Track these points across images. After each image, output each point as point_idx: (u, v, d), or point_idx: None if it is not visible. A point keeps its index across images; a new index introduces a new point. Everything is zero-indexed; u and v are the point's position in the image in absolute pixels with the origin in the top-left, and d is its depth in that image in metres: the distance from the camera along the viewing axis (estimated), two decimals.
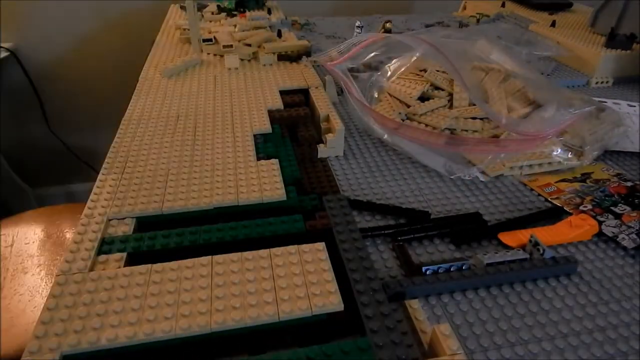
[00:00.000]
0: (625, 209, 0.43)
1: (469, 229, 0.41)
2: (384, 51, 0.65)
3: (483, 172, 0.49)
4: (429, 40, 0.55)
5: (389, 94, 0.61)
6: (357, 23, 0.85)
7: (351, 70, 0.63)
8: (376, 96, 0.62)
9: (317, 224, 0.39)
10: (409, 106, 0.57)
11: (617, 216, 0.42)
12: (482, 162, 0.49)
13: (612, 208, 0.43)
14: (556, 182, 0.48)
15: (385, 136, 0.53)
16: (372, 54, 0.64)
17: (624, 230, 0.41)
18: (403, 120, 0.55)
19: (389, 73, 0.65)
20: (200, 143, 0.50)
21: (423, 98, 0.59)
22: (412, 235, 0.40)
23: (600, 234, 0.41)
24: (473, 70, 0.60)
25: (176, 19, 0.98)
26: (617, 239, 0.40)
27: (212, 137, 0.51)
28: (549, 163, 0.50)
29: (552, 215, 0.43)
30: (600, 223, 0.41)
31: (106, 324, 0.29)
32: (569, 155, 0.50)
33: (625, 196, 0.45)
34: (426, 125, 0.54)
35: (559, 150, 0.50)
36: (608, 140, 0.53)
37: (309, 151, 0.51)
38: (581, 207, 0.43)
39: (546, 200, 0.46)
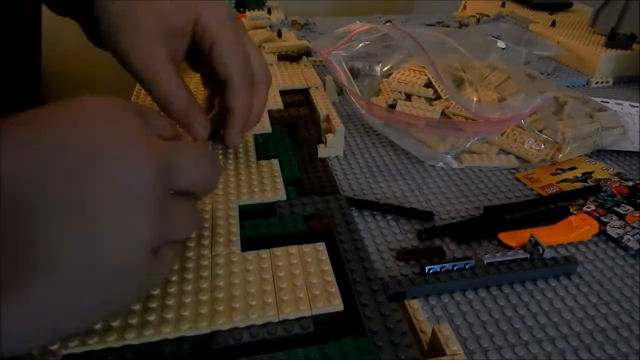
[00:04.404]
0: (628, 209, 0.43)
1: (472, 228, 0.41)
2: (379, 43, 0.67)
3: (458, 159, 0.52)
4: (407, 31, 0.57)
5: (392, 90, 0.62)
6: (358, 23, 0.85)
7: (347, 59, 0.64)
8: (371, 86, 0.65)
9: (317, 224, 0.39)
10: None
11: (621, 217, 0.42)
12: (454, 148, 0.52)
13: (615, 208, 0.43)
14: (557, 182, 0.48)
15: (364, 111, 0.57)
16: (364, 43, 0.66)
17: (628, 231, 0.41)
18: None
19: (388, 67, 0.67)
20: None
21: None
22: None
23: (600, 234, 0.41)
24: (480, 69, 0.61)
25: None
26: (622, 240, 0.40)
27: None
28: (522, 159, 0.52)
29: (554, 214, 0.43)
30: (604, 224, 0.41)
31: (107, 326, 0.29)
32: (543, 148, 0.52)
33: (628, 196, 0.45)
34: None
35: (534, 144, 0.53)
36: (600, 140, 0.53)
37: (309, 151, 0.51)
38: (584, 208, 0.43)
39: (548, 200, 0.46)
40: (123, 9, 0.31)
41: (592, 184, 0.47)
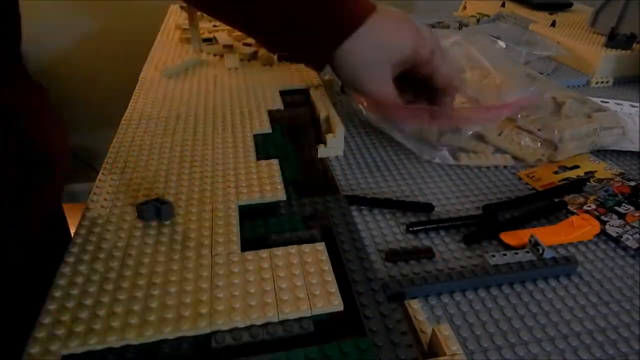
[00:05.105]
0: (629, 209, 0.43)
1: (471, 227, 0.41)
2: None
3: (454, 157, 0.52)
4: None
5: None
6: None
7: None
8: None
9: (317, 224, 0.39)
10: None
11: (621, 216, 0.42)
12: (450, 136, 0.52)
13: (615, 208, 0.43)
14: (559, 181, 0.48)
15: (363, 111, 0.57)
16: None
17: (627, 231, 0.41)
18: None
19: None
20: (200, 143, 0.50)
21: None
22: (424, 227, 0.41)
23: (600, 234, 0.41)
24: (480, 69, 0.61)
25: (176, 19, 0.98)
26: (621, 239, 0.40)
27: (212, 137, 0.51)
28: (518, 158, 0.52)
29: (552, 210, 0.43)
30: (604, 223, 0.41)
31: (107, 326, 0.29)
32: (539, 147, 0.52)
33: (629, 196, 0.45)
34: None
35: (530, 143, 0.53)
36: (598, 140, 0.53)
37: (309, 151, 0.51)
38: (585, 207, 0.43)
39: (549, 198, 0.46)
40: (360, 57, 0.43)
41: (595, 183, 0.47)
